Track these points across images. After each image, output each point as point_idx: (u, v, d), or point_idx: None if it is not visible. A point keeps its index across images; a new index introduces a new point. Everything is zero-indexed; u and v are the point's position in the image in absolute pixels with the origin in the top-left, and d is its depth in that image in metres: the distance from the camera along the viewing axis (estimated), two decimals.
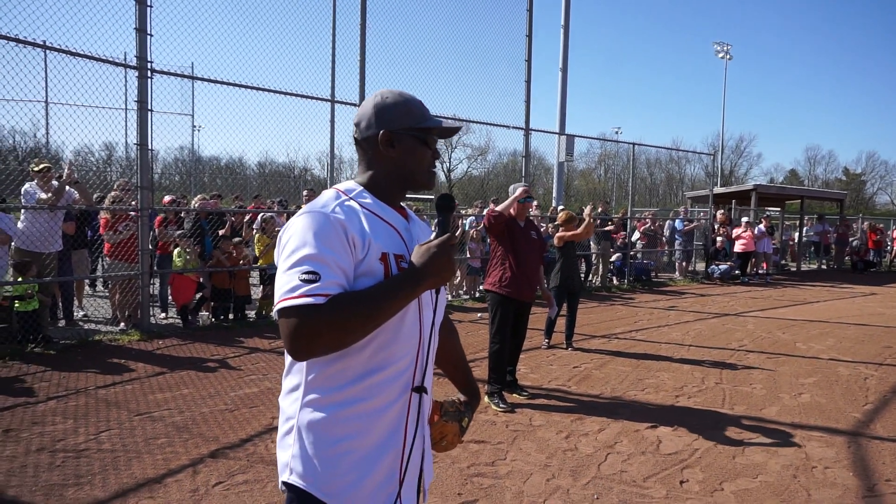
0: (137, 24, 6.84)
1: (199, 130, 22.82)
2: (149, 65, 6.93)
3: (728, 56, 38.24)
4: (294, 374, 1.45)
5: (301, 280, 1.29)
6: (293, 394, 1.43)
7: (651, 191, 58.31)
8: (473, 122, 11.28)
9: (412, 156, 1.51)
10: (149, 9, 6.87)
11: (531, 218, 5.61)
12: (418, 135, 1.51)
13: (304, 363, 1.41)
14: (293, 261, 1.32)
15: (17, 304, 6.35)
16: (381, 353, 1.41)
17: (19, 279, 6.39)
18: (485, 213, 5.59)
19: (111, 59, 7.05)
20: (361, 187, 1.51)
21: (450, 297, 10.72)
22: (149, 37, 6.89)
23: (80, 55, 6.67)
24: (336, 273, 1.32)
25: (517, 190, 5.49)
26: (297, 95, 8.72)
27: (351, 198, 1.46)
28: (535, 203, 5.69)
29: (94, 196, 8.10)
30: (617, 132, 48.77)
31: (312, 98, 9.03)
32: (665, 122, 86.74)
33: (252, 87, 8.17)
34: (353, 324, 1.29)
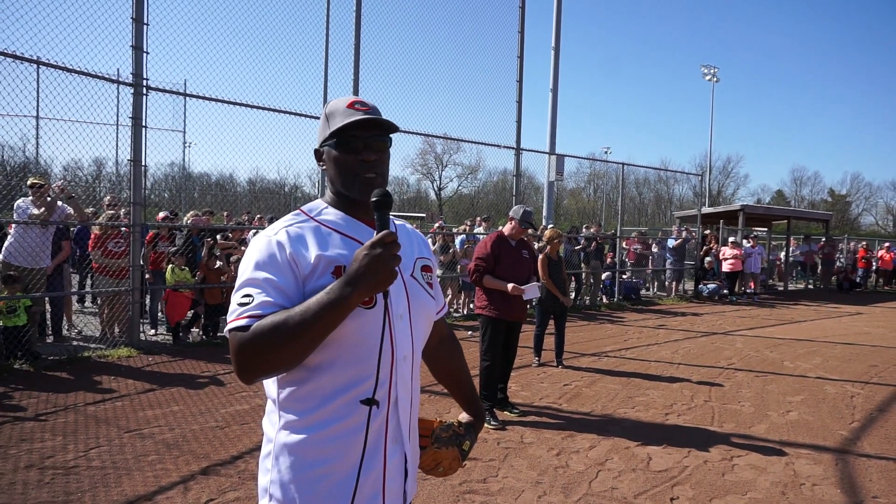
0: (134, 41, 6.91)
1: (190, 147, 22.85)
2: (145, 82, 6.99)
3: (715, 78, 38.86)
4: (270, 396, 1.44)
5: (238, 304, 1.32)
6: (271, 416, 1.43)
7: (640, 210, 58.73)
8: (465, 140, 11.42)
9: (334, 166, 1.47)
10: (146, 27, 6.94)
11: (524, 238, 5.65)
12: (338, 141, 1.46)
13: (275, 384, 1.40)
14: (237, 284, 1.37)
15: (2, 319, 6.31)
16: (348, 372, 1.37)
17: (4, 294, 6.36)
18: (473, 257, 5.62)
19: (107, 76, 7.10)
20: (325, 204, 1.51)
21: None
22: (145, 55, 6.96)
23: (74, 71, 6.70)
24: (271, 293, 1.32)
25: (519, 212, 5.54)
26: (289, 113, 8.79)
27: (311, 217, 1.47)
28: (529, 231, 5.73)
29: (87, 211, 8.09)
30: (606, 152, 49.22)
31: (304, 116, 9.08)
32: (654, 142, 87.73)
33: (245, 105, 8.20)
34: (280, 340, 1.26)
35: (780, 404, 6.04)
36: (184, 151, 23.36)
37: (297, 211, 1.50)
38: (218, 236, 8.60)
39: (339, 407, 1.37)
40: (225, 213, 11.76)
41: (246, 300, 1.32)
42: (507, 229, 5.58)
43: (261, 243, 1.39)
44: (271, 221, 10.53)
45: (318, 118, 9.53)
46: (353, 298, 1.27)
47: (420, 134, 11.00)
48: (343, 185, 1.47)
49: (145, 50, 6.98)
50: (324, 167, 1.53)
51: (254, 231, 8.95)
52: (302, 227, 1.43)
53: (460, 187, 51.66)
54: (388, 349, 1.40)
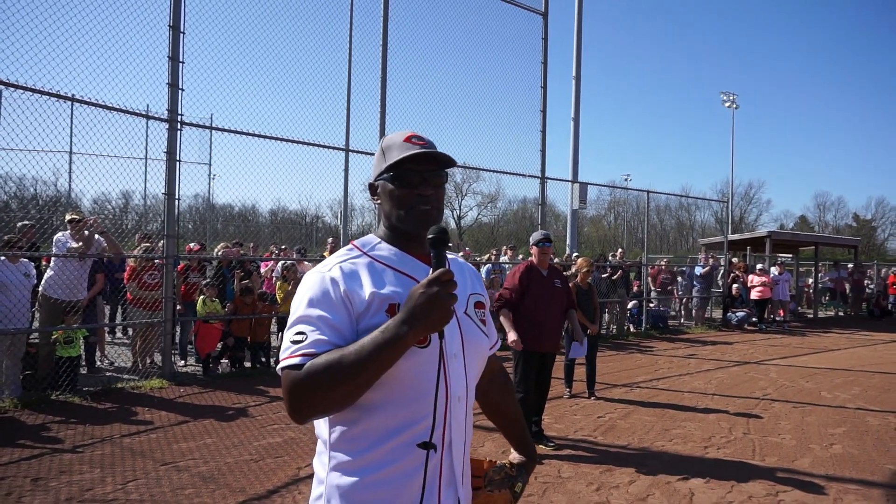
0: (170, 79, 7.13)
1: (214, 179, 23.32)
2: (179, 118, 7.18)
3: (735, 105, 38.80)
4: (321, 436, 1.42)
5: (291, 341, 1.31)
6: (322, 457, 1.41)
7: (662, 237, 58.34)
8: (489, 170, 11.49)
9: (388, 200, 1.47)
10: (181, 65, 7.16)
11: (555, 265, 5.65)
12: (394, 175, 1.45)
13: (326, 424, 1.39)
14: (290, 321, 1.36)
15: (59, 349, 6.48)
16: (401, 413, 1.35)
17: (61, 324, 6.61)
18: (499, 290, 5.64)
19: (140, 112, 7.31)
20: (379, 239, 1.51)
21: None
22: (180, 91, 7.17)
23: (109, 108, 6.84)
24: (325, 331, 1.31)
25: (534, 237, 5.56)
26: (313, 145, 8.93)
27: (365, 252, 1.46)
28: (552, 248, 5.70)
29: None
30: (626, 179, 49.20)
31: (327, 147, 9.21)
32: (674, 169, 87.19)
33: (269, 137, 8.31)
34: (334, 380, 1.24)
35: (822, 437, 5.88)
36: (209, 183, 23.82)
37: (350, 246, 1.50)
38: (257, 271, 8.71)
39: (392, 449, 1.34)
40: (251, 245, 11.89)
41: (299, 338, 1.31)
42: (534, 259, 5.56)
43: (314, 280, 1.39)
44: (300, 253, 10.71)
45: (339, 149, 9.76)
46: (409, 338, 1.26)
47: None
48: (398, 218, 1.47)
49: (180, 87, 7.19)
50: (378, 201, 1.53)
51: (283, 262, 9.06)
52: (355, 263, 1.42)
53: (480, 216, 51.78)
54: (443, 390, 1.38)
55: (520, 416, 1.81)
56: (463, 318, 1.48)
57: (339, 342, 1.31)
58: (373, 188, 1.53)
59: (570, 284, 7.06)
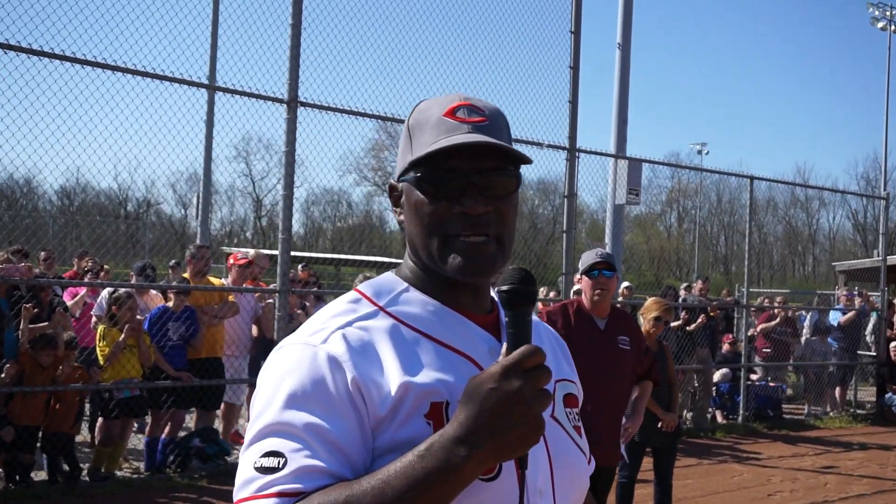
0: None
1: None
2: None
3: (893, 26, 39.91)
4: None
5: (257, 468, 1.29)
6: None
7: (761, 254, 59.38)
8: None
9: (414, 219, 1.49)
10: None
11: (621, 307, 5.80)
12: (422, 175, 1.46)
13: None
14: (253, 432, 1.34)
15: None
16: None
17: None
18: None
19: None
20: (405, 284, 1.53)
21: None
22: None
23: None
24: (319, 451, 1.29)
25: (586, 260, 5.66)
26: (142, 74, 8.79)
27: (382, 307, 1.48)
28: (616, 278, 5.81)
29: None
30: (701, 152, 50.11)
31: (172, 80, 9.02)
32: (780, 138, 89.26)
33: (63, 58, 8.21)
34: None
35: None
36: None
37: (356, 295, 1.51)
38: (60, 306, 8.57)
39: None
40: (42, 256, 11.74)
41: (272, 463, 1.29)
42: (584, 297, 5.64)
43: (297, 357, 1.39)
44: (142, 273, 10.55)
45: (197, 85, 9.68)
46: (470, 467, 1.23)
47: (375, 117, 10.86)
48: (427, 252, 1.48)
49: None
50: (401, 216, 1.56)
51: (112, 291, 8.97)
52: (368, 329, 1.43)
53: None
54: None
55: None
56: (550, 426, 1.46)
57: (342, 471, 1.30)
58: (395, 193, 1.56)
59: None
